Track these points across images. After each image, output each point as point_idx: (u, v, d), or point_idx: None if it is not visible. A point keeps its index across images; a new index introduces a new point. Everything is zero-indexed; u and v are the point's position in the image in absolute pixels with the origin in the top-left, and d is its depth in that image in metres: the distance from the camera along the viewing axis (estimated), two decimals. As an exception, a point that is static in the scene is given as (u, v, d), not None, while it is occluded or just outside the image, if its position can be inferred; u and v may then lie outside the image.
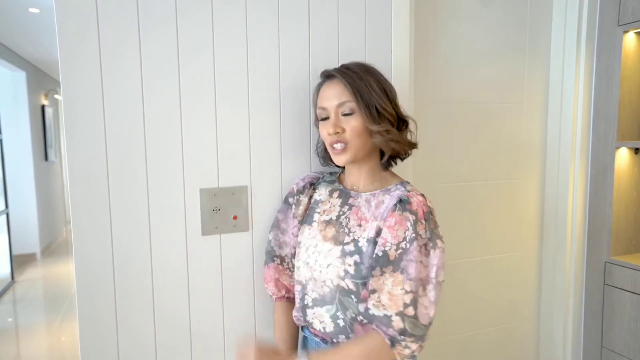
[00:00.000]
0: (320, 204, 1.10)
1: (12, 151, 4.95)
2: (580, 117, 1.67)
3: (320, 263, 1.02)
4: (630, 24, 1.57)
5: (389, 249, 0.93)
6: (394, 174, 1.08)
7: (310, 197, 1.13)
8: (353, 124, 0.98)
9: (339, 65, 1.05)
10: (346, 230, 1.02)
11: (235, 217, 1.17)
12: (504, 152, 1.70)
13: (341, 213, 1.05)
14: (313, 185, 1.15)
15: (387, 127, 0.98)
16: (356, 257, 0.97)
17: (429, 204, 0.97)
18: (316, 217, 1.08)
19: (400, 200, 0.96)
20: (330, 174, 1.17)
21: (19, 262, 5.04)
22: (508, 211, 1.74)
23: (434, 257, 0.94)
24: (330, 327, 1.01)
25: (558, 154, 1.73)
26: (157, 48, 1.06)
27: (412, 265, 0.91)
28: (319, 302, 1.02)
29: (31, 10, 3.43)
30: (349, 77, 0.98)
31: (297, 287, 1.08)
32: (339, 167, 1.14)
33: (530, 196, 1.78)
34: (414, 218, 0.93)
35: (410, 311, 0.91)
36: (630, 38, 1.61)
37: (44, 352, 3.12)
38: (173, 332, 1.13)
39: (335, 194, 1.09)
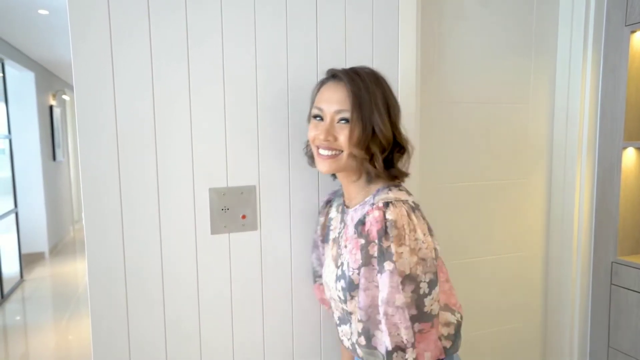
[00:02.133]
0: (332, 221, 1.08)
1: (20, 151, 5.00)
2: (586, 117, 1.67)
3: (327, 284, 1.02)
4: (637, 24, 1.56)
5: (352, 274, 0.89)
6: (374, 181, 0.97)
7: (327, 214, 1.12)
8: (345, 134, 0.90)
9: (348, 67, 0.98)
10: (340, 251, 0.97)
11: (244, 217, 1.18)
12: (510, 152, 1.71)
13: (340, 230, 1.01)
14: (330, 202, 1.13)
15: (373, 152, 0.90)
16: (342, 283, 0.92)
17: (388, 216, 0.85)
18: (330, 234, 1.07)
19: (359, 221, 0.89)
20: None
21: (27, 260, 5.09)
22: (514, 211, 1.74)
23: (382, 281, 0.85)
24: (351, 345, 0.98)
25: (564, 153, 1.73)
26: (166, 47, 1.08)
27: (362, 292, 0.87)
28: (342, 320, 1.00)
29: (40, 12, 3.47)
30: (356, 86, 0.90)
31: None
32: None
33: (536, 196, 1.78)
34: (363, 242, 0.87)
35: (362, 341, 0.88)
36: (637, 38, 1.60)
37: (51, 350, 3.15)
38: (183, 330, 1.15)
39: (339, 210, 1.07)
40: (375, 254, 0.85)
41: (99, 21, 1.02)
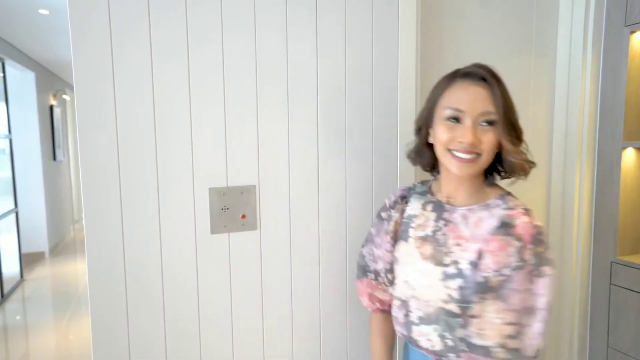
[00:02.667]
0: (414, 219, 1.02)
1: (21, 151, 5.00)
2: (586, 117, 1.68)
3: (422, 283, 0.95)
4: (637, 24, 1.56)
5: (491, 276, 0.87)
6: (492, 185, 1.00)
7: (403, 211, 1.05)
8: (490, 137, 0.89)
9: (471, 65, 0.95)
10: (444, 250, 0.94)
11: (243, 216, 1.18)
12: (510, 152, 1.70)
13: (437, 229, 0.97)
14: (405, 198, 1.06)
15: (521, 147, 0.92)
16: (459, 282, 0.90)
17: (536, 222, 0.88)
18: (411, 232, 1.00)
19: (504, 223, 0.89)
20: (422, 183, 1.09)
21: (27, 260, 5.10)
22: (514, 211, 1.74)
23: (542, 285, 0.86)
24: (439, 346, 0.94)
25: (564, 154, 1.73)
26: (167, 47, 1.08)
27: (515, 295, 0.86)
28: (425, 320, 0.95)
29: (41, 11, 3.47)
30: (499, 88, 0.89)
31: (397, 303, 1.02)
32: (426, 173, 1.08)
33: (536, 196, 1.78)
34: (519, 244, 0.86)
35: (513, 343, 0.86)
36: (637, 38, 1.60)
37: (52, 350, 3.16)
38: (183, 329, 1.15)
39: (429, 207, 1.01)
40: (529, 258, 0.86)
41: (99, 21, 1.02)
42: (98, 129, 1.04)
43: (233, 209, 1.17)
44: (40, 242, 5.37)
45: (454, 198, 0.98)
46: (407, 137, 1.35)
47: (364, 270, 1.11)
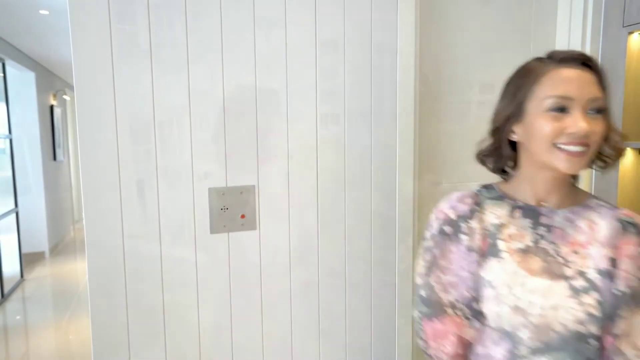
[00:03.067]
0: (501, 229, 0.86)
1: (21, 151, 5.01)
2: (585, 117, 1.68)
3: (541, 305, 0.78)
4: (635, 25, 1.57)
5: (636, 283, 0.78)
6: (575, 185, 0.91)
7: (482, 220, 0.88)
8: (601, 126, 0.80)
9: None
10: (560, 260, 0.81)
11: (243, 216, 1.19)
12: (509, 153, 1.71)
13: (538, 237, 0.84)
14: (479, 204, 0.90)
15: (619, 139, 0.84)
16: (595, 295, 0.77)
17: None
18: (502, 245, 0.84)
19: (628, 223, 0.81)
20: (485, 187, 0.94)
21: (28, 260, 5.10)
22: (513, 211, 1.74)
23: None
24: None
25: (563, 154, 1.74)
26: (167, 47, 1.09)
27: None
28: (543, 350, 0.79)
29: (41, 12, 3.48)
30: (601, 72, 0.82)
31: (494, 337, 0.84)
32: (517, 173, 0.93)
33: (534, 196, 1.78)
34: None
35: None
36: (635, 39, 1.61)
37: (52, 350, 3.16)
38: (182, 329, 1.16)
39: (517, 214, 0.87)
40: None
41: (99, 21, 1.03)
42: (98, 129, 1.05)
43: (232, 209, 1.18)
44: (40, 242, 5.37)
45: (547, 200, 0.86)
46: (406, 137, 1.35)
47: (439, 306, 0.87)
